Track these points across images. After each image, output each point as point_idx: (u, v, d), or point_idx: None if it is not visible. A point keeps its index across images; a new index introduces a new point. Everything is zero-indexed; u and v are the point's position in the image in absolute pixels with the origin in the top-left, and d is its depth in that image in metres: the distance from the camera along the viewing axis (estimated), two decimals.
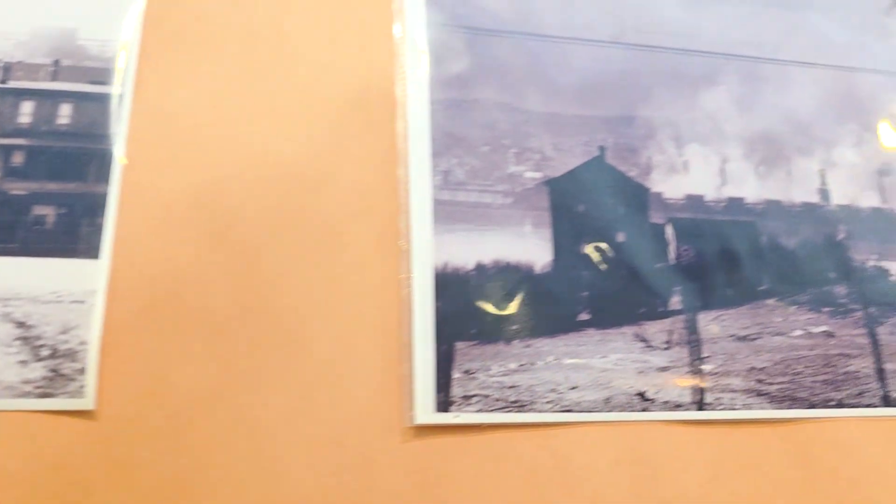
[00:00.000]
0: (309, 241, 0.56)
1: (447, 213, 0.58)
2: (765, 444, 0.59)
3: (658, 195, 0.62)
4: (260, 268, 0.55)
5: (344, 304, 0.56)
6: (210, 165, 0.57)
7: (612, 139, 0.63)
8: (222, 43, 0.60)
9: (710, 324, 0.60)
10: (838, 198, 0.66)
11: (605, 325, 0.58)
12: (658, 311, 0.59)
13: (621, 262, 0.60)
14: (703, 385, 0.58)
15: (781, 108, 0.68)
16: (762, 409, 0.59)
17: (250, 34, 0.61)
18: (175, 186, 0.56)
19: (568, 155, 0.62)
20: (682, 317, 0.60)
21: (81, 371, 0.50)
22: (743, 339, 0.60)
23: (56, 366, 0.50)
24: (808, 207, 0.66)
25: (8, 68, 0.57)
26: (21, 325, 0.51)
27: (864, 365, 0.62)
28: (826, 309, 0.63)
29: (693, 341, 0.59)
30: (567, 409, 0.56)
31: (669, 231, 0.62)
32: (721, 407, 0.58)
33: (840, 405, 0.60)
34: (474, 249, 0.57)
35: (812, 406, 0.60)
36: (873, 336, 0.63)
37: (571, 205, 0.60)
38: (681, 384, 0.58)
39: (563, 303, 0.58)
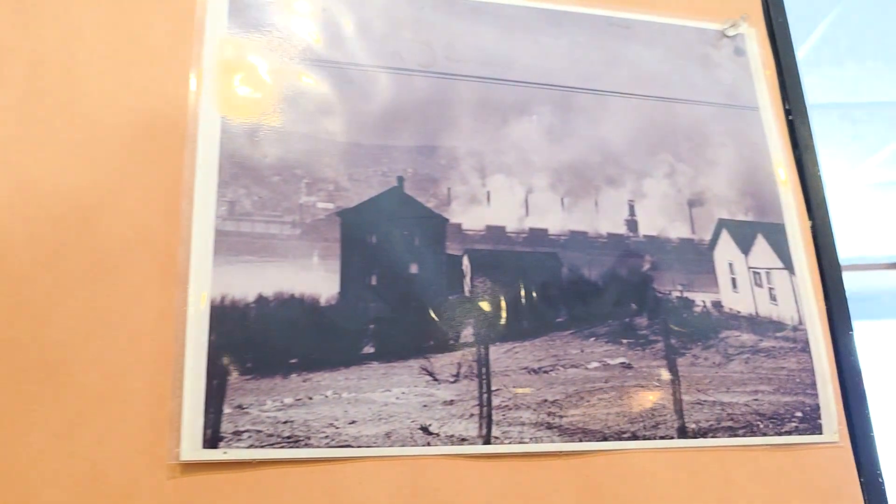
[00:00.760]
0: (81, 273, 0.55)
1: (230, 245, 0.57)
2: (554, 477, 0.59)
3: (457, 226, 0.62)
4: (25, 299, 0.54)
5: (117, 338, 0.54)
6: None
7: (413, 169, 0.63)
8: (6, 68, 0.59)
9: (502, 356, 0.60)
10: (646, 228, 0.67)
11: (390, 358, 0.57)
12: (448, 344, 0.59)
13: (412, 294, 0.60)
14: (490, 418, 0.58)
15: (593, 139, 0.68)
16: (552, 442, 0.59)
17: (37, 60, 0.59)
18: None
19: (364, 185, 0.61)
20: (472, 349, 0.59)
21: None
22: (536, 371, 0.60)
23: None
24: (615, 238, 0.66)
25: None
26: None
27: (662, 396, 0.62)
28: (626, 340, 0.63)
29: (483, 374, 0.59)
30: (345, 444, 0.55)
31: (466, 262, 0.61)
32: (509, 441, 0.58)
33: (634, 437, 0.60)
34: (256, 281, 0.57)
35: (605, 439, 0.60)
36: (673, 367, 0.63)
37: (363, 236, 0.60)
38: (467, 418, 0.58)
39: (347, 336, 0.57)
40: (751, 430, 0.63)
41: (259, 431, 0.54)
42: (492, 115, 0.66)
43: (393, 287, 0.59)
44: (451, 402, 0.58)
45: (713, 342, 0.65)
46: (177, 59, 0.62)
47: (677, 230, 0.67)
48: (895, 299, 3.41)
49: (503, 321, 0.61)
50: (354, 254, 0.59)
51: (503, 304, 0.61)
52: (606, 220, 0.66)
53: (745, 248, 0.69)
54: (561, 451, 0.59)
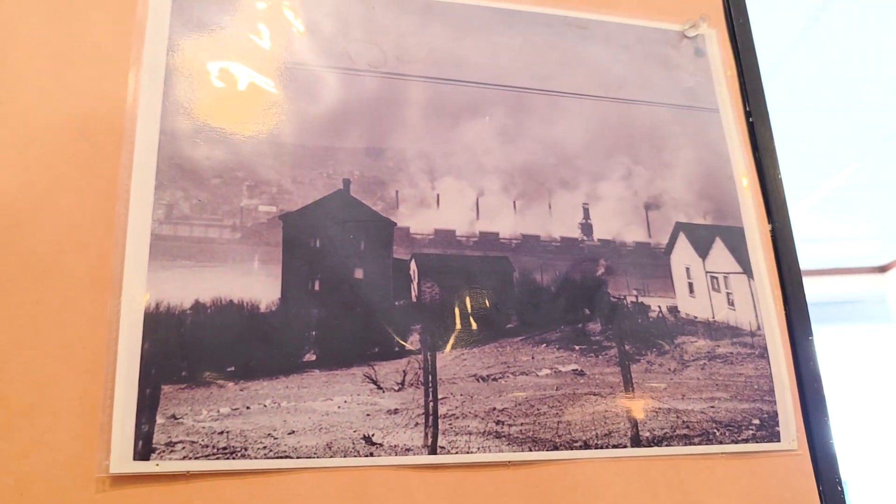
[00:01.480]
0: (10, 278, 0.53)
1: (166, 249, 0.55)
2: (503, 488, 0.57)
3: (405, 230, 0.61)
4: None
5: (46, 346, 0.53)
6: None
7: (359, 171, 0.61)
8: None
9: (450, 363, 0.58)
10: (601, 232, 0.65)
11: (331, 365, 0.56)
12: (394, 351, 0.57)
13: (357, 299, 0.58)
14: (437, 428, 0.56)
15: (547, 140, 0.66)
16: (500, 451, 0.57)
17: None
18: None
19: (308, 188, 0.59)
20: (418, 356, 0.58)
21: None
22: (484, 379, 0.59)
23: None
24: (568, 242, 0.64)
25: None
26: None
27: (615, 404, 0.61)
28: (578, 347, 0.61)
29: (429, 382, 0.57)
30: (283, 454, 0.53)
31: (413, 267, 0.60)
32: (455, 450, 0.56)
33: (586, 446, 0.59)
34: (193, 287, 0.55)
35: (556, 448, 0.58)
36: (627, 374, 0.62)
37: (306, 240, 0.58)
38: (412, 427, 0.56)
39: (288, 343, 0.55)
40: (707, 438, 0.61)
41: (193, 442, 0.52)
42: (442, 116, 0.64)
43: (336, 292, 0.58)
44: (396, 411, 0.56)
45: (668, 348, 0.63)
46: (116, 57, 0.60)
47: (633, 234, 0.66)
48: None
49: (451, 327, 0.59)
50: (297, 258, 0.57)
51: (452, 309, 0.60)
52: (560, 224, 0.64)
53: (703, 252, 0.67)
54: (510, 461, 0.57)
